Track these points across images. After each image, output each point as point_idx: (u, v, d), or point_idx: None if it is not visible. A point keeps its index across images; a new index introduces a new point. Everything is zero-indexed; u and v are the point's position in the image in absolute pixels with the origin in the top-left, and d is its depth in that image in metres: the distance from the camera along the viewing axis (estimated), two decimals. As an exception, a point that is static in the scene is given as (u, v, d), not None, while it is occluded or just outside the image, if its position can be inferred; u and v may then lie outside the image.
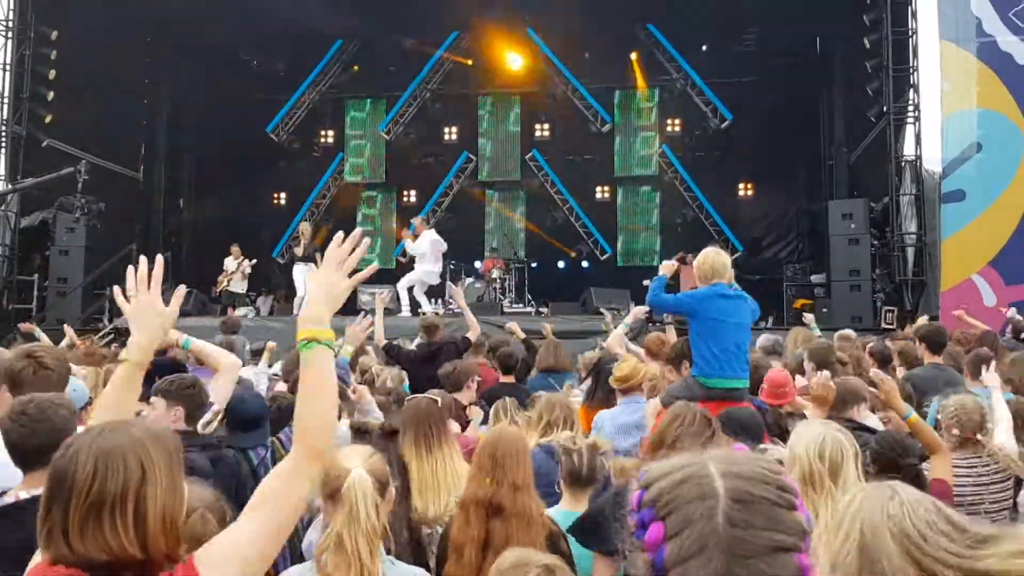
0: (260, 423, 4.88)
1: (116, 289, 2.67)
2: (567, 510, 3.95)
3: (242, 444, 4.65)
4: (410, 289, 15.53)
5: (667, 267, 6.12)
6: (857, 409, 5.05)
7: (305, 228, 16.79)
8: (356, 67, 22.34)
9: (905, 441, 4.29)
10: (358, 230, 2.40)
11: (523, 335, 10.03)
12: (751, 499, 1.30)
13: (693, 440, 3.80)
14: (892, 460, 4.03)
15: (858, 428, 4.57)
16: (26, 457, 3.23)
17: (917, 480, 3.96)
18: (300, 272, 15.96)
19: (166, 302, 2.58)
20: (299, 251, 16.18)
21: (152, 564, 1.89)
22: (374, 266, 2.54)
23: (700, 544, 1.27)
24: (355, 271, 2.37)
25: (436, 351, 8.46)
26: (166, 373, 4.62)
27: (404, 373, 7.22)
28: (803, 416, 5.06)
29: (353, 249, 2.35)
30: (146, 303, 2.54)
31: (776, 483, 1.33)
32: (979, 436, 4.39)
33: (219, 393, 4.62)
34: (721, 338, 5.59)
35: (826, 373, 5.10)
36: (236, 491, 3.99)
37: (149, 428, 2.07)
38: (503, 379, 7.89)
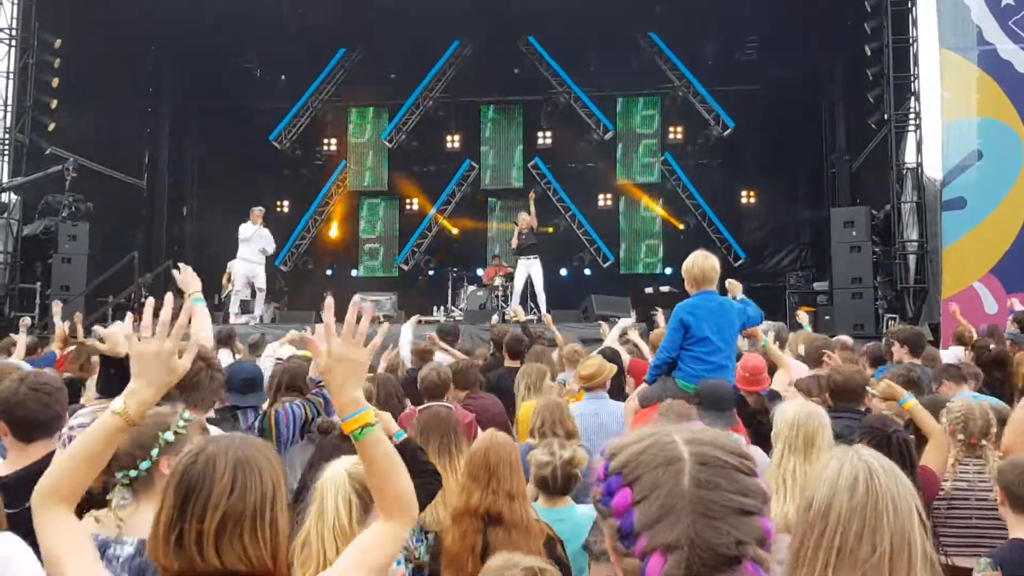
0: (255, 385, 5.18)
1: (127, 322, 2.51)
2: (542, 507, 3.93)
3: (242, 404, 4.93)
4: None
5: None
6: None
7: (524, 217, 16.01)
8: (358, 76, 22.37)
9: (887, 418, 4.47)
10: (357, 297, 2.34)
11: (523, 317, 10.45)
12: (716, 462, 1.32)
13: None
14: (882, 432, 4.12)
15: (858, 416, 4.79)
16: (40, 427, 3.34)
17: (907, 448, 4.06)
18: (523, 267, 15.75)
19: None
20: (514, 243, 15.90)
21: None
22: (385, 326, 2.46)
23: (668, 506, 1.28)
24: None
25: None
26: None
27: None
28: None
29: (358, 318, 2.22)
30: (163, 353, 2.24)
31: (737, 450, 1.35)
32: (984, 441, 4.39)
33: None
34: (712, 353, 5.63)
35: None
36: None
37: (268, 444, 2.07)
38: (509, 363, 7.95)
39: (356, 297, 2.12)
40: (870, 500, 1.79)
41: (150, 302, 2.30)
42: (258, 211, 16.01)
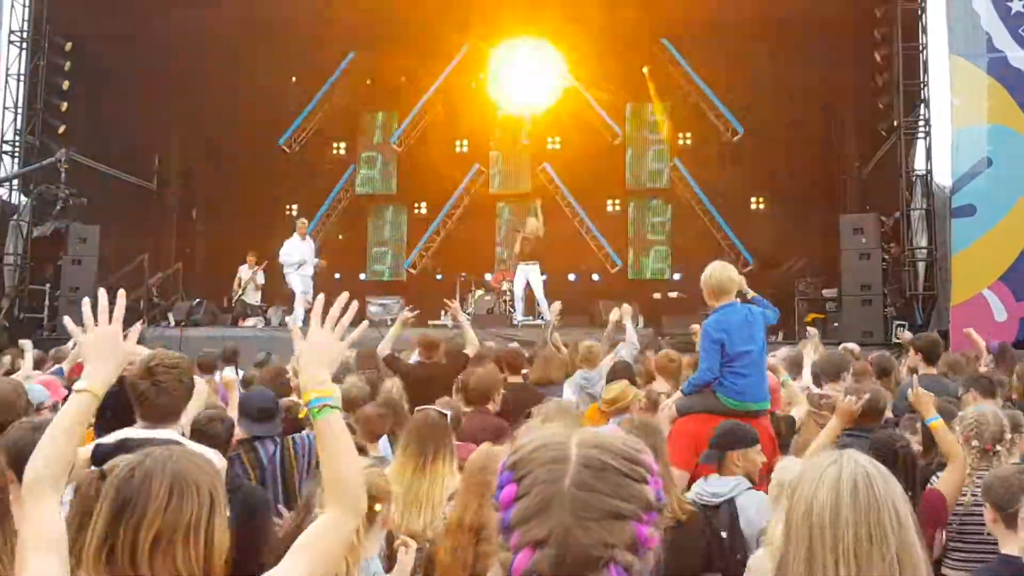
0: (272, 414, 5.04)
1: (68, 320, 2.64)
2: None
3: (257, 433, 4.86)
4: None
5: None
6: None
7: (533, 223, 15.94)
8: (368, 80, 22.42)
9: (895, 433, 4.50)
10: (345, 295, 2.41)
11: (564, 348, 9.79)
12: (600, 465, 1.34)
13: None
14: (888, 448, 4.11)
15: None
16: None
17: (912, 465, 4.10)
18: (523, 272, 15.78)
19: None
20: (516, 248, 15.95)
21: None
22: (364, 325, 2.60)
23: (544, 504, 1.31)
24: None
25: (432, 373, 7.88)
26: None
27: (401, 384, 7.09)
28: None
29: (343, 312, 2.37)
30: (110, 336, 2.48)
31: (630, 456, 1.37)
32: (999, 447, 4.35)
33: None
34: (749, 366, 5.61)
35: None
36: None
37: (206, 456, 2.10)
38: (511, 379, 7.70)
39: (343, 295, 2.15)
40: (872, 506, 1.79)
41: (86, 301, 2.56)
42: (303, 224, 16.39)
